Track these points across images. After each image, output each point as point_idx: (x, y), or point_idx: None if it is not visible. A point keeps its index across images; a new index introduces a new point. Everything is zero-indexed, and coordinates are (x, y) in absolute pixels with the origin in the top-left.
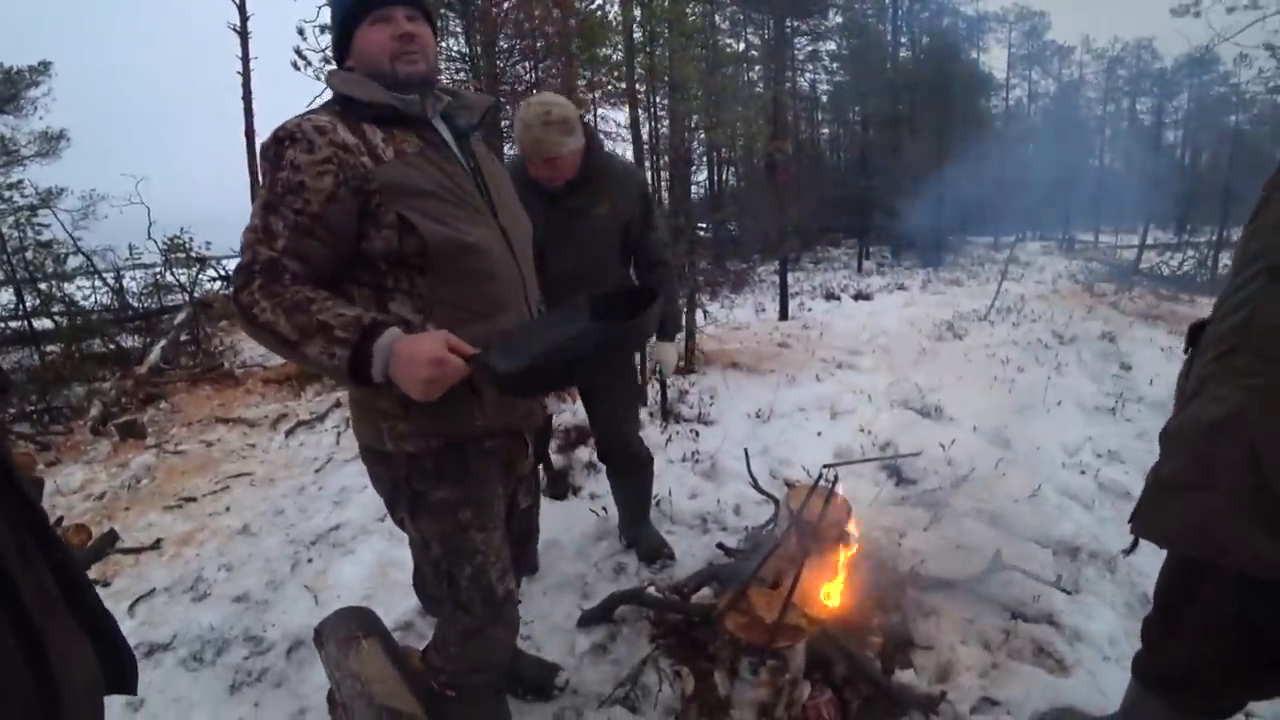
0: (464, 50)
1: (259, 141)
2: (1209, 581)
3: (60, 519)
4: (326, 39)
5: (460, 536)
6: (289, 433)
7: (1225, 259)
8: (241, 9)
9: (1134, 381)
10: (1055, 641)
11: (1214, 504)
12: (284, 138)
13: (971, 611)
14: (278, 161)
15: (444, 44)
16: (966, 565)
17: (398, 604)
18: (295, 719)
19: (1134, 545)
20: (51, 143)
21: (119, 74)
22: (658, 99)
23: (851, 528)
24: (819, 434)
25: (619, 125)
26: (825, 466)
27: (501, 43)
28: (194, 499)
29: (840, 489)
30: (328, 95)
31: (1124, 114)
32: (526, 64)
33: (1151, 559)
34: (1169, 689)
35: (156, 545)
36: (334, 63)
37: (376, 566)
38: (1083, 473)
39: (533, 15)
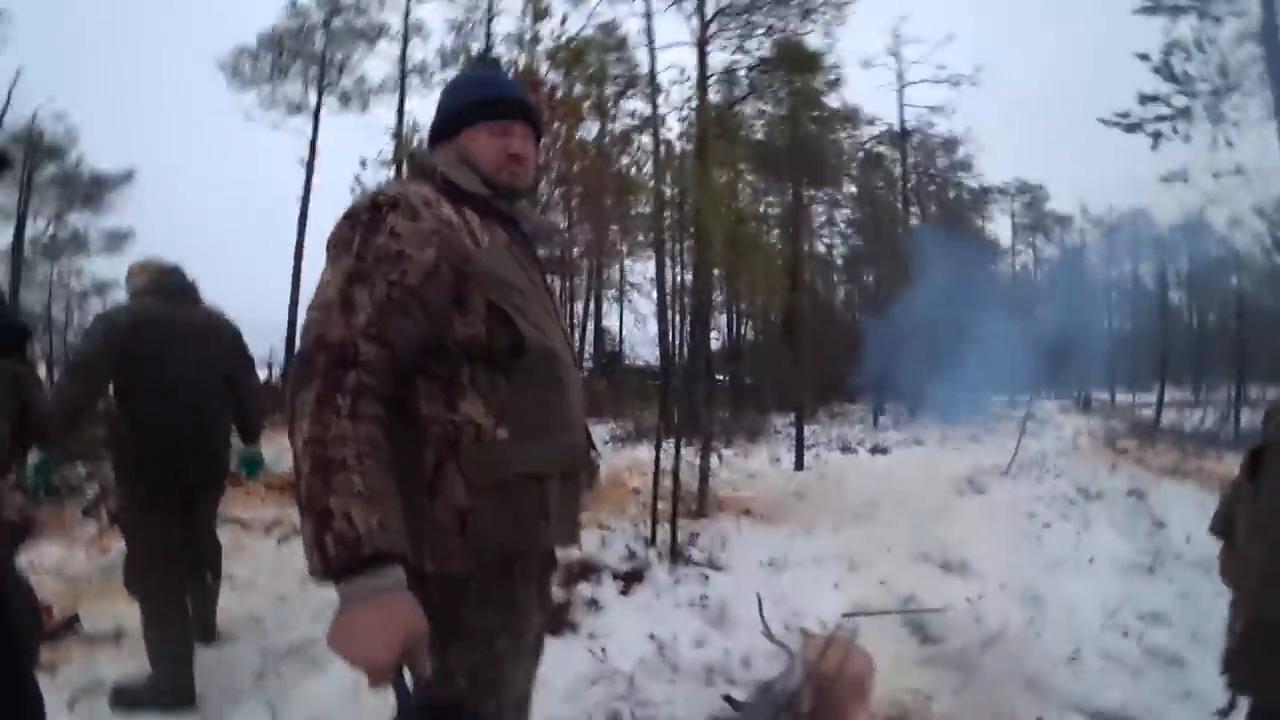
0: None
1: (305, 260)
2: None
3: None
4: (385, 174)
5: (494, 670)
6: (282, 540)
7: (1245, 416)
8: (311, 146)
9: (1169, 539)
10: None
11: None
12: (384, 203)
13: None
14: (373, 227)
15: None
16: None
17: None
18: None
19: (1231, 706)
20: (118, 240)
21: (190, 180)
22: (681, 248)
23: (873, 685)
24: (836, 585)
25: (645, 278)
26: (845, 615)
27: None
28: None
29: (860, 645)
30: None
31: (1127, 278)
32: (562, 213)
33: None
34: None
35: (117, 638)
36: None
37: (346, 687)
38: (1125, 635)
39: (571, 167)
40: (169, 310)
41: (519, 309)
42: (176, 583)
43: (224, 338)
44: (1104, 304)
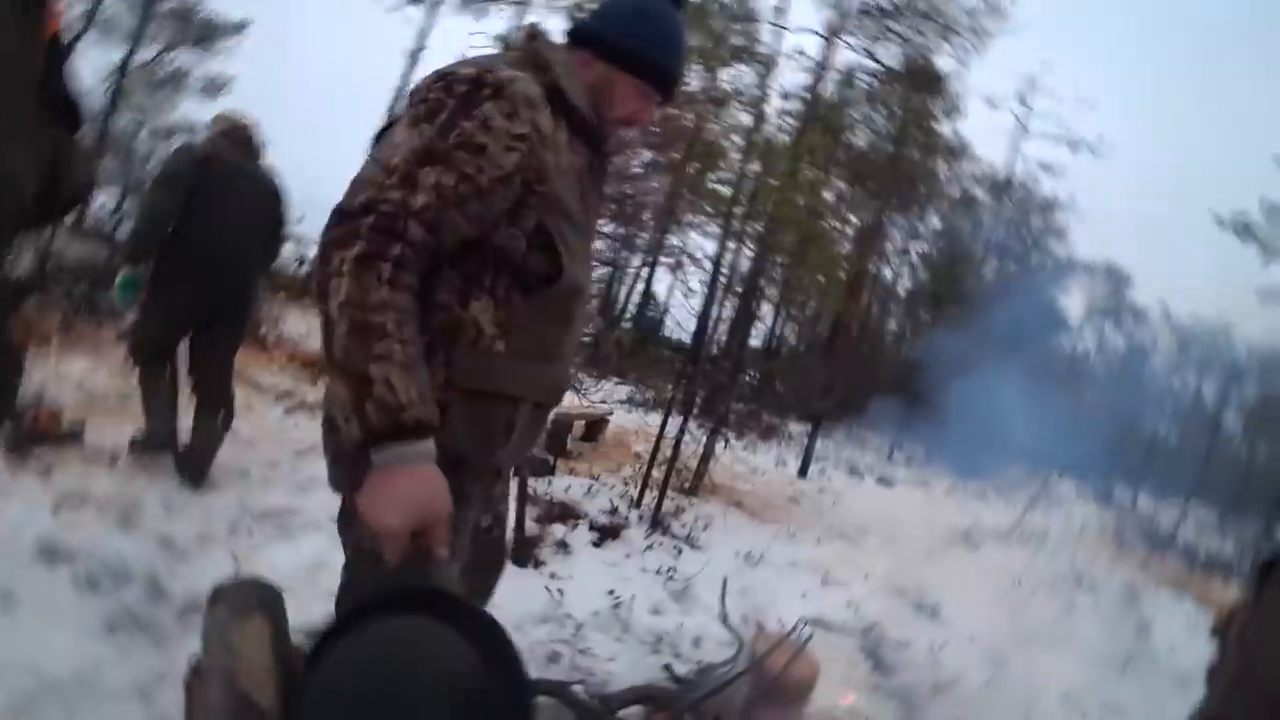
0: None
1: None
2: None
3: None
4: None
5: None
6: (289, 410)
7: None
8: (420, 40)
9: (1152, 644)
10: None
11: None
12: (488, 84)
13: None
14: (467, 106)
15: None
16: None
17: (314, 607)
18: (155, 682)
19: None
20: (216, 87)
21: (299, 46)
22: (744, 230)
23: (813, 694)
24: (804, 594)
25: (703, 254)
26: (802, 620)
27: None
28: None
29: (810, 652)
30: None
31: (1189, 391)
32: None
33: None
34: None
35: (113, 460)
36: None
37: (310, 563)
38: (1083, 717)
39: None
40: (237, 156)
41: (565, 239)
42: (168, 359)
43: (274, 196)
44: (1156, 408)
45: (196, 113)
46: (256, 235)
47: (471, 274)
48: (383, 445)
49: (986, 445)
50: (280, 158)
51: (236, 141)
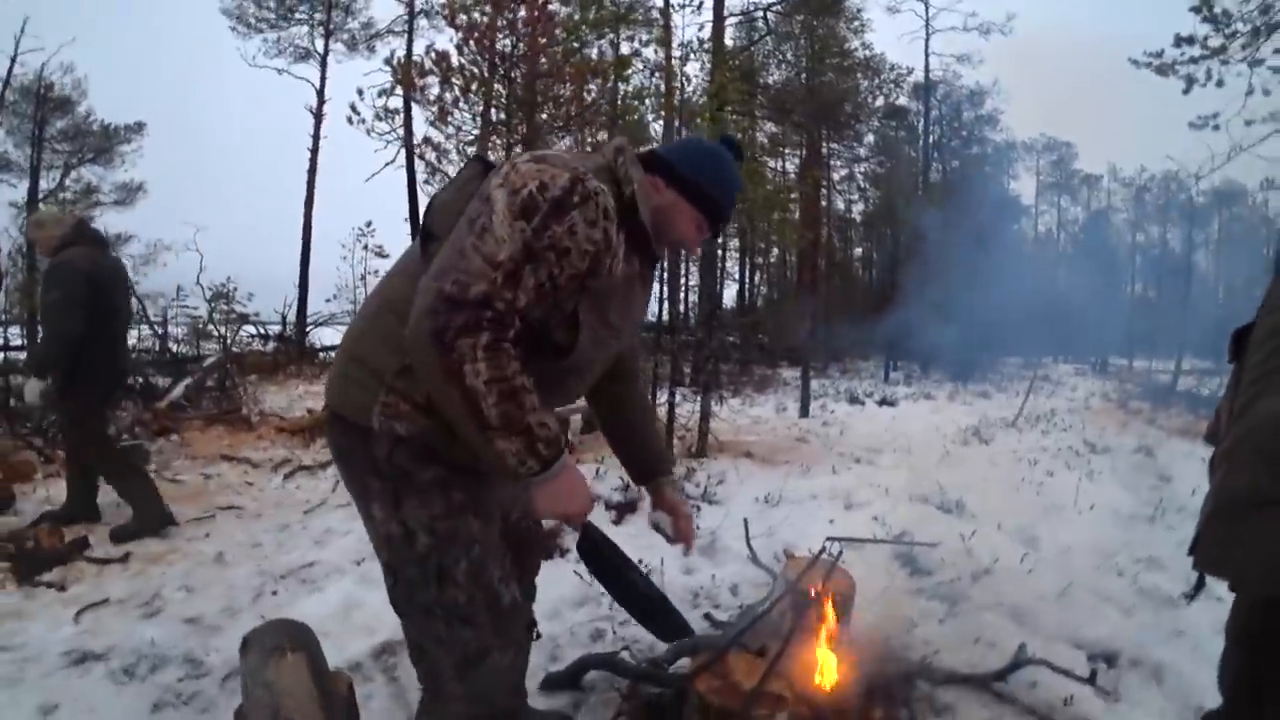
0: (504, 118)
1: (315, 208)
2: None
3: (39, 520)
4: (381, 100)
5: (454, 520)
6: (288, 476)
7: None
8: (320, 93)
9: (1174, 492)
10: None
11: None
12: (581, 194)
13: (992, 711)
14: (560, 212)
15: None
16: (986, 660)
17: (352, 643)
18: None
19: (1199, 585)
20: (130, 193)
21: (201, 132)
22: None
23: (854, 604)
24: (830, 521)
25: None
26: (829, 539)
27: (542, 115)
28: (176, 524)
29: (845, 567)
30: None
31: (1155, 243)
32: (565, 133)
33: (1206, 668)
34: None
35: (124, 559)
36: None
37: (340, 606)
38: (1120, 575)
39: (564, 78)
40: (104, 255)
41: (590, 327)
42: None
43: (127, 279)
44: (1128, 268)
45: (118, 223)
46: (130, 315)
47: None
48: (551, 467)
49: (976, 345)
50: (209, 243)
51: (94, 239)
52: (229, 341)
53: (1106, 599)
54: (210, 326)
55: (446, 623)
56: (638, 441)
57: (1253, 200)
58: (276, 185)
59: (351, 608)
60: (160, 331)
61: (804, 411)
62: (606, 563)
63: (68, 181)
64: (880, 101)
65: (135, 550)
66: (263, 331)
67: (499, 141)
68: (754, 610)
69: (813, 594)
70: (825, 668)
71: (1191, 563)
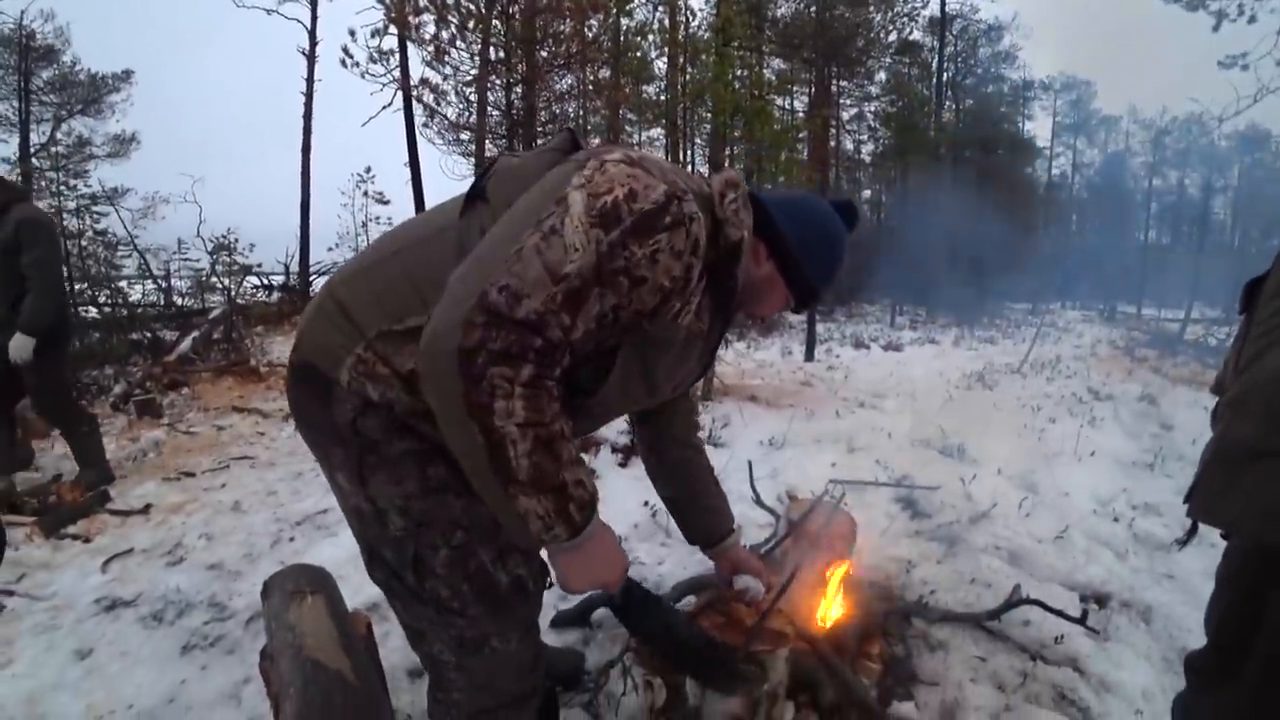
0: (503, 56)
1: (313, 155)
2: None
3: (59, 476)
4: (374, 41)
5: (430, 500)
6: None
7: None
8: (311, 34)
9: (1174, 440)
10: (1079, 688)
11: None
12: (674, 217)
13: (985, 649)
14: (645, 232)
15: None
16: (981, 600)
17: (368, 586)
18: (239, 686)
19: (1191, 532)
20: (123, 145)
21: (192, 81)
22: (691, 130)
23: (855, 545)
24: (833, 464)
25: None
26: (832, 482)
27: (542, 53)
28: (193, 474)
29: (847, 509)
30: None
31: (1171, 189)
32: (567, 70)
33: (1194, 611)
34: None
35: (145, 510)
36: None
37: (355, 550)
38: (1115, 520)
39: (564, 13)
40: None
41: (625, 371)
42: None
43: None
44: (1142, 214)
45: (112, 177)
46: None
47: None
48: (583, 532)
49: (983, 290)
50: (207, 195)
51: (24, 195)
52: (233, 293)
53: (1102, 543)
54: (213, 279)
55: (435, 609)
56: (700, 509)
57: (1276, 146)
58: (273, 134)
59: None
60: (164, 285)
61: (809, 356)
62: (648, 618)
63: (59, 135)
64: (893, 37)
65: (155, 501)
66: (266, 282)
67: (498, 81)
68: (758, 551)
69: (814, 535)
70: (825, 606)
71: (1186, 510)
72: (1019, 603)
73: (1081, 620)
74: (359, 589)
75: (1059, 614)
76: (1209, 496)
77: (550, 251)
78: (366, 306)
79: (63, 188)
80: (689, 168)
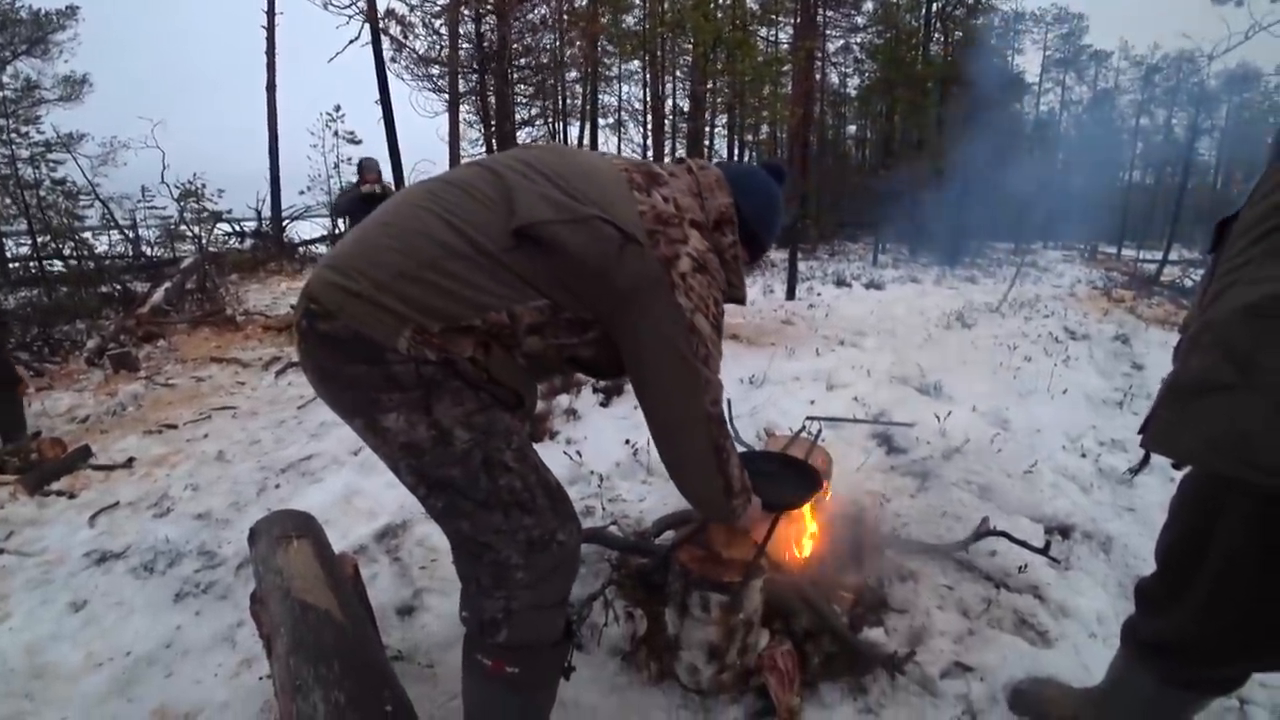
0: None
1: (279, 94)
2: (1231, 516)
3: (38, 433)
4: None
5: (490, 414)
6: (279, 373)
7: None
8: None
9: (1145, 380)
10: (1039, 614)
11: (1250, 405)
12: (723, 255)
13: (952, 578)
14: (712, 286)
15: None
16: (952, 532)
17: (355, 528)
18: (232, 629)
19: (1144, 462)
20: (75, 87)
21: (144, 18)
22: (669, 63)
23: (830, 480)
24: (812, 402)
25: (644, 103)
26: (808, 419)
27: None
28: (175, 426)
29: (824, 445)
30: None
31: (1159, 128)
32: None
33: (1150, 541)
34: (1164, 657)
35: (129, 464)
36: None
37: (342, 494)
38: (1083, 456)
39: None
40: None
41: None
42: None
43: None
44: (1128, 153)
45: (66, 122)
46: None
47: (551, 363)
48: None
49: (965, 229)
50: (169, 139)
51: None
52: (204, 241)
53: (1069, 477)
54: (183, 227)
55: (505, 512)
56: None
57: (1265, 85)
58: (235, 72)
59: (352, 495)
60: (131, 235)
61: (790, 294)
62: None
63: (5, 79)
64: None
65: (138, 455)
66: (238, 229)
67: (468, 13)
68: None
69: None
70: (803, 542)
71: (1140, 441)
72: (986, 534)
73: (1044, 550)
74: (346, 532)
75: (1023, 544)
76: (1161, 427)
77: (712, 363)
78: (417, 300)
79: (14, 135)
80: (669, 103)
